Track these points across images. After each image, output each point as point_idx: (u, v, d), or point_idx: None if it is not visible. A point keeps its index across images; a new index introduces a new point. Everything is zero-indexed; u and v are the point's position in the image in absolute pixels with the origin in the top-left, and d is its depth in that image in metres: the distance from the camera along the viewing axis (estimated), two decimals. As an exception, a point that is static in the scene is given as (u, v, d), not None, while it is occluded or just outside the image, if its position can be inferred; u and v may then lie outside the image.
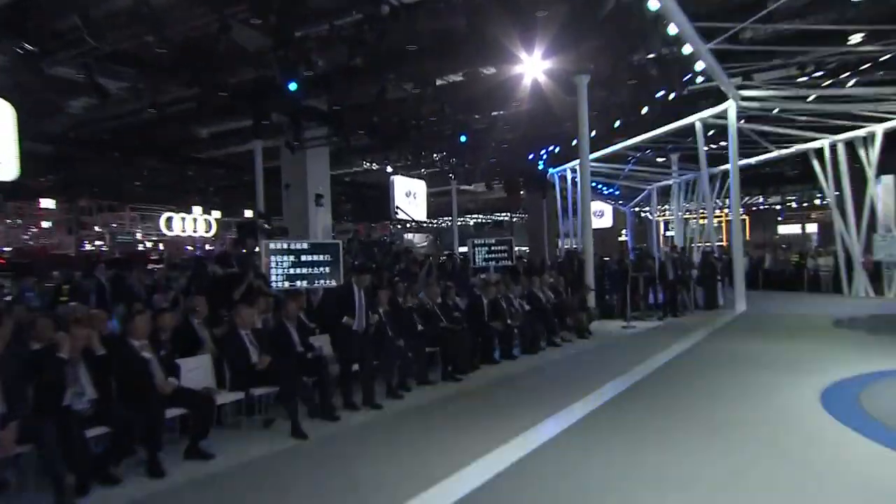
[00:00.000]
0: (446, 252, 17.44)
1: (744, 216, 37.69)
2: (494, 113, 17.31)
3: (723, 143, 18.10)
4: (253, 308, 6.61)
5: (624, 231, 34.46)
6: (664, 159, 21.85)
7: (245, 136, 19.95)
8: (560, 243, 29.86)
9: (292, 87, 12.78)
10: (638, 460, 4.70)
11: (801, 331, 10.95)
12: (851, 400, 6.08)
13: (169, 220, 22.05)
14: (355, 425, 6.01)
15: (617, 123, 17.06)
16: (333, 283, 8.99)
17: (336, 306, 7.45)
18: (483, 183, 26.53)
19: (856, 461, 4.62)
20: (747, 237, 37.47)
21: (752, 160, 18.00)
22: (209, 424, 5.25)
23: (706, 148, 15.64)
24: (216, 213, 23.65)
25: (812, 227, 36.85)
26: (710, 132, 16.92)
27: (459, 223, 34.86)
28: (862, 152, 15.39)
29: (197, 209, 22.67)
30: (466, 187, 32.29)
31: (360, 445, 5.45)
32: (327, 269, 8.95)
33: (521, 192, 26.78)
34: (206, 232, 21.52)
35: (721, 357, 8.70)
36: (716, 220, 38.11)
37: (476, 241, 13.55)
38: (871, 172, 15.37)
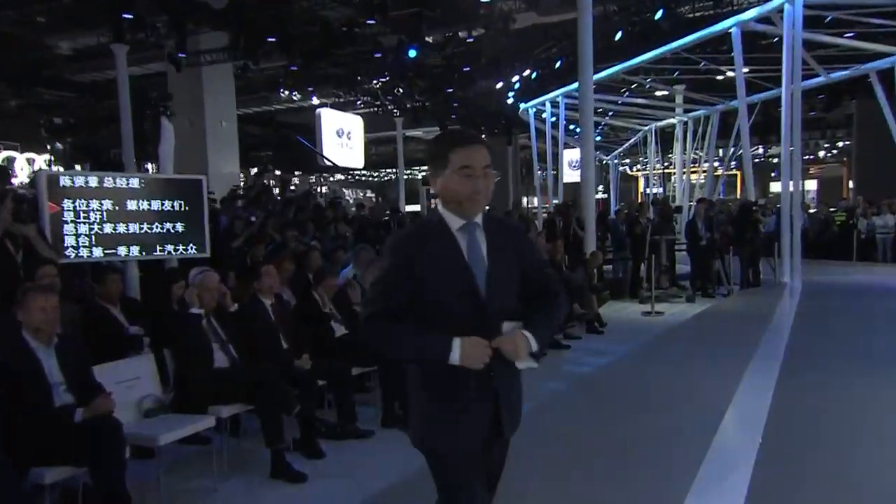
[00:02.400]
0: (389, 210, 14.09)
1: (735, 171, 35.72)
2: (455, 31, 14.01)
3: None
4: None
5: (601, 187, 32.02)
6: (665, 93, 19.03)
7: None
8: (526, 201, 26.97)
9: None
10: None
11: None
12: None
13: (9, 161, 17.75)
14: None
15: (619, 35, 14.02)
16: (193, 252, 5.63)
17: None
18: (436, 126, 23.10)
19: None
20: (737, 195, 35.57)
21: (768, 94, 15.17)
22: None
23: (745, 71, 12.72)
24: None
25: (811, 184, 35.08)
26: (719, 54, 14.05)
27: (406, 177, 31.54)
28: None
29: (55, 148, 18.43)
30: (413, 133, 28.91)
31: None
32: (180, 228, 5.55)
33: (483, 137, 23.58)
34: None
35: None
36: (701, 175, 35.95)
37: (432, 191, 10.28)
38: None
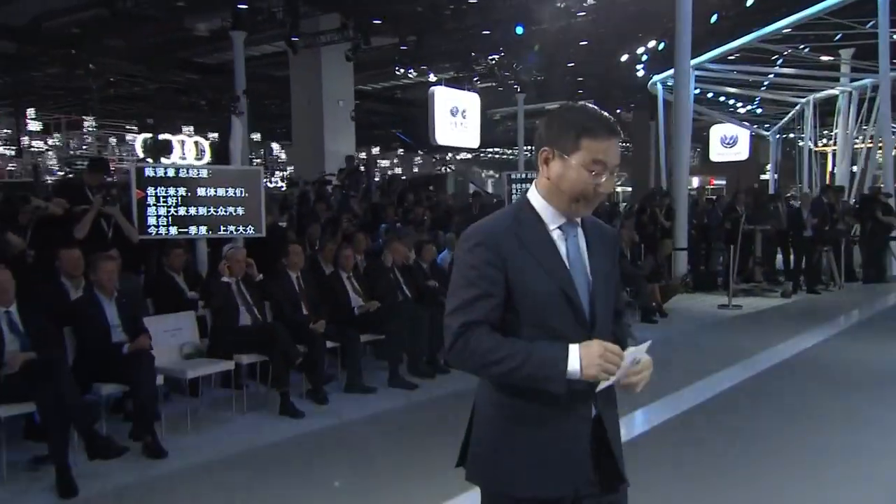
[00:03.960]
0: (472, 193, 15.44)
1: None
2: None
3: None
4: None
5: (768, 166, 30.98)
6: (831, 58, 18.51)
7: (256, 34, 18.49)
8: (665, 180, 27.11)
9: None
10: None
11: None
12: None
13: (146, 142, 21.17)
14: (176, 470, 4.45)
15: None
16: (251, 232, 7.38)
17: None
18: (565, 101, 23.98)
19: None
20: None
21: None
22: None
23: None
24: (213, 135, 22.69)
25: None
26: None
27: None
28: None
29: (187, 129, 21.75)
30: (552, 106, 29.75)
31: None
32: (240, 211, 7.31)
33: (618, 111, 24.05)
34: (197, 159, 20.56)
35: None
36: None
37: (512, 176, 11.57)
38: None
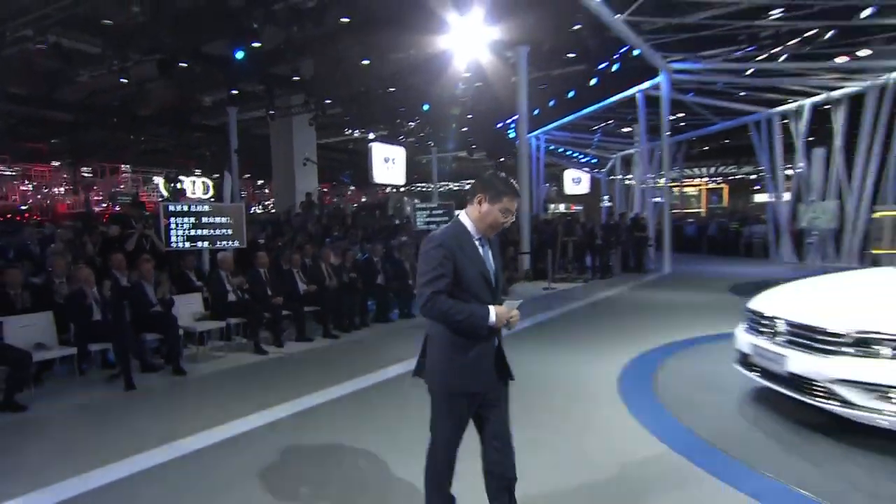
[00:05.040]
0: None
1: (722, 185, 36.44)
2: (455, 86, 16.63)
3: (680, 115, 17.27)
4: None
5: (606, 197, 33.57)
6: (631, 129, 20.95)
7: (245, 105, 19.53)
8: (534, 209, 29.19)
9: (239, 55, 12.37)
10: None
11: (687, 291, 10.97)
12: (647, 376, 5.50)
13: (167, 184, 22.11)
14: (197, 377, 5.84)
15: (571, 93, 16.26)
16: (236, 244, 8.69)
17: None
18: (465, 151, 25.82)
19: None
20: (725, 205, 36.19)
21: (703, 131, 17.10)
22: (24, 379, 5.09)
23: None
24: (217, 176, 23.61)
25: (787, 196, 35.28)
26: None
27: (457, 188, 34.29)
28: (792, 126, 14.50)
29: (198, 171, 22.68)
30: (461, 154, 31.53)
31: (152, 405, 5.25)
32: (229, 231, 8.62)
33: (502, 160, 26.02)
34: (204, 194, 21.50)
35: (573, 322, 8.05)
36: (694, 188, 36.47)
37: (418, 205, 13.13)
38: (799, 144, 14.50)
